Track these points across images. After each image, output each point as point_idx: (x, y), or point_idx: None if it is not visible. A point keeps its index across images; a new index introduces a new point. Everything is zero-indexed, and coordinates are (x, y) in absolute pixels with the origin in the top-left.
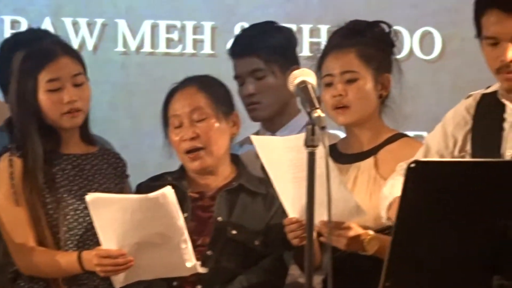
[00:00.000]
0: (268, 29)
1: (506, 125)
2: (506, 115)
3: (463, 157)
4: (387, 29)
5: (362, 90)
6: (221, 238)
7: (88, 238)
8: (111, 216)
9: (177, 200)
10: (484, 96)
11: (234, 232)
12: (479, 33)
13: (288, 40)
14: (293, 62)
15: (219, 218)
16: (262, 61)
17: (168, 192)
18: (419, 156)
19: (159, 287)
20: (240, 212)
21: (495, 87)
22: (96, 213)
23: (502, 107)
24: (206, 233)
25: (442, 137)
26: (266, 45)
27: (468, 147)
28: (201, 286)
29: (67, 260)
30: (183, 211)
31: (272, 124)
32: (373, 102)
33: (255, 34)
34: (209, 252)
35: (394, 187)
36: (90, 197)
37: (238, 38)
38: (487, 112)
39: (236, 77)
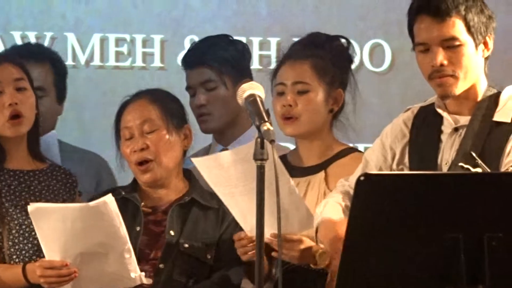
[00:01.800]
0: (221, 41)
1: (443, 137)
2: (443, 127)
3: (401, 170)
4: (345, 44)
5: (312, 102)
6: (173, 252)
7: (34, 253)
8: (52, 226)
9: (130, 213)
10: (421, 108)
11: (186, 245)
12: (414, 44)
13: (241, 53)
14: (245, 75)
15: (171, 232)
16: (214, 72)
17: (109, 200)
18: (359, 171)
19: None
20: (192, 226)
21: (432, 99)
22: (38, 223)
23: (440, 119)
24: (158, 246)
25: (381, 151)
26: (218, 57)
27: (406, 159)
28: None
29: (11, 272)
30: (136, 225)
31: (223, 136)
32: (323, 115)
33: (208, 46)
34: (161, 266)
35: (326, 206)
36: (31, 207)
37: (190, 50)
38: (424, 124)
39: (188, 88)
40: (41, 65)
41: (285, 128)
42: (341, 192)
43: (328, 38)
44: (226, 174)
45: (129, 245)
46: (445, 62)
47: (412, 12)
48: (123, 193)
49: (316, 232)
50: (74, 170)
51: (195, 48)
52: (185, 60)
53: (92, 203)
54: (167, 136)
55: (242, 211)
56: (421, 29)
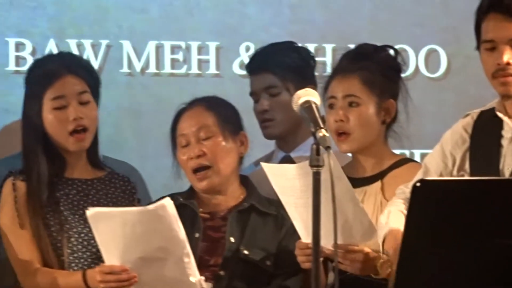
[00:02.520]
0: (285, 48)
1: (504, 142)
2: (503, 132)
3: (461, 176)
4: (394, 54)
5: (364, 116)
6: (233, 259)
7: (93, 261)
8: (112, 231)
9: (188, 219)
10: (481, 113)
11: (246, 252)
12: (478, 43)
13: (305, 60)
14: (309, 81)
15: (231, 239)
16: (277, 78)
17: (167, 203)
18: (419, 177)
19: None
20: (252, 232)
21: (492, 103)
22: (97, 228)
23: (500, 124)
24: (218, 253)
25: (441, 157)
26: (282, 63)
27: (467, 165)
28: None
29: (72, 279)
30: (195, 231)
31: (286, 143)
32: (375, 128)
33: (272, 52)
34: (221, 272)
35: (390, 215)
36: (90, 211)
37: (254, 55)
38: (484, 129)
39: (251, 93)
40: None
41: (340, 145)
42: (402, 199)
43: (376, 49)
44: (291, 185)
45: (188, 249)
46: (511, 61)
47: (482, 10)
48: (181, 199)
49: (383, 242)
50: None
51: (259, 54)
52: (249, 65)
53: (150, 207)
54: (223, 143)
55: (305, 223)
56: (489, 26)
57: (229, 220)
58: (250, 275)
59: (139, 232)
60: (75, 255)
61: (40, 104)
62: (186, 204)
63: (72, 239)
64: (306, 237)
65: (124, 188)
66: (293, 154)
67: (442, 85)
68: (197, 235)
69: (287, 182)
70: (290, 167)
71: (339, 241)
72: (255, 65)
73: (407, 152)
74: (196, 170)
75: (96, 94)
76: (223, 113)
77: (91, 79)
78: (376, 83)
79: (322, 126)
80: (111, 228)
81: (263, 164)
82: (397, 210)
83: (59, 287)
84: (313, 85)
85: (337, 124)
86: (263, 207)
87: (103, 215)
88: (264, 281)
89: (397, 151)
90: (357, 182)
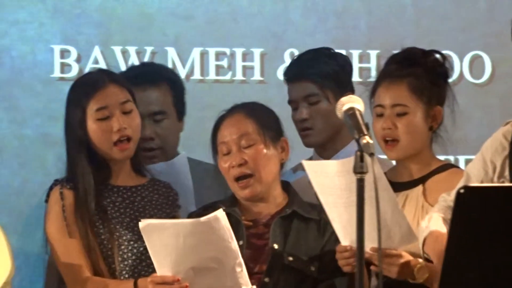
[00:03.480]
0: (322, 55)
1: None
2: None
3: (502, 183)
4: (441, 59)
5: (412, 124)
6: (278, 265)
7: (143, 268)
8: (164, 242)
9: (231, 227)
10: None
11: (290, 259)
12: None
13: (342, 66)
14: (347, 88)
15: (275, 246)
16: (316, 87)
17: (220, 215)
18: (461, 185)
19: None
20: (295, 238)
21: None
22: (150, 239)
23: None
24: (262, 260)
25: (481, 165)
26: (320, 71)
27: (507, 172)
28: None
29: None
30: (238, 238)
31: (325, 150)
32: (423, 135)
33: (309, 59)
34: (266, 279)
35: (431, 220)
36: (143, 223)
37: (292, 63)
38: None
39: (290, 102)
40: (158, 87)
41: (388, 153)
42: (443, 206)
43: (423, 53)
44: (331, 183)
45: (240, 259)
46: None
47: None
48: (224, 207)
49: (423, 245)
50: (201, 183)
51: (297, 61)
52: (286, 73)
53: (203, 219)
54: (264, 150)
55: (343, 222)
56: None
57: (272, 227)
58: (294, 281)
59: (192, 243)
60: (126, 262)
61: (84, 114)
62: (229, 212)
63: (123, 247)
64: (344, 238)
65: (167, 195)
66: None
67: (487, 90)
68: (241, 242)
69: (327, 180)
70: (331, 163)
71: (376, 245)
72: (293, 73)
73: (451, 158)
74: (238, 179)
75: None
76: (264, 120)
77: (129, 87)
78: (424, 90)
79: (365, 133)
80: (163, 239)
81: (304, 162)
82: (438, 216)
83: None
84: (351, 92)
85: (385, 132)
86: (305, 213)
87: (155, 227)
88: (308, 286)
89: (441, 157)
90: (399, 186)
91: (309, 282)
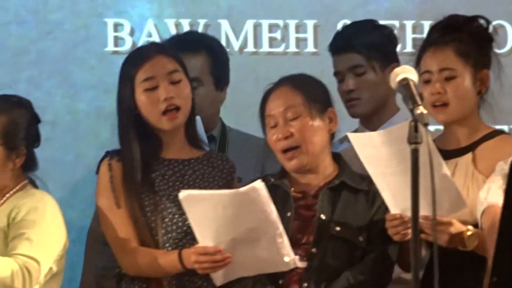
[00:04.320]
0: (367, 26)
1: None
2: None
3: None
4: (485, 24)
5: (461, 87)
6: (325, 236)
7: (187, 242)
8: (204, 213)
9: (279, 198)
10: None
11: (338, 229)
12: None
13: (388, 38)
14: (392, 59)
15: (322, 216)
16: (362, 57)
17: (258, 185)
18: None
19: (265, 285)
20: (343, 209)
21: None
22: (190, 210)
23: None
24: (309, 231)
25: None
26: (366, 42)
27: None
28: (307, 284)
29: (168, 259)
30: (287, 210)
31: (370, 121)
32: (472, 99)
33: (355, 31)
34: (313, 250)
35: (490, 191)
36: (182, 194)
37: (337, 35)
38: None
39: (336, 73)
40: (195, 54)
41: (437, 115)
42: (501, 175)
43: (467, 19)
44: (378, 154)
45: (281, 229)
46: None
47: None
48: (272, 180)
49: (481, 216)
50: (239, 155)
51: (342, 33)
52: (332, 46)
53: (242, 189)
54: (310, 122)
55: (392, 192)
56: None
57: (320, 198)
58: (342, 251)
59: (231, 214)
60: (169, 235)
61: (132, 86)
62: (278, 184)
63: (166, 220)
64: (394, 207)
65: (221, 168)
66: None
67: None
68: (289, 214)
69: (374, 151)
70: (376, 134)
71: (427, 213)
72: (339, 45)
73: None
74: (285, 151)
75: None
76: (310, 91)
77: (179, 57)
78: (471, 53)
79: (420, 103)
80: (203, 210)
81: (349, 134)
82: (496, 187)
83: (157, 266)
84: (397, 63)
85: (434, 97)
86: (354, 183)
87: (195, 198)
88: (357, 257)
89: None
90: (449, 153)
91: (357, 253)
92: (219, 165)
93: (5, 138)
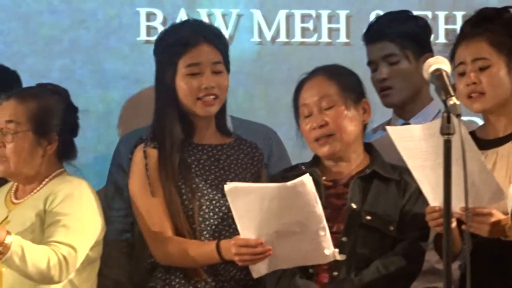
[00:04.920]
0: (402, 16)
1: None
2: None
3: None
4: None
5: (495, 76)
6: (356, 225)
7: (223, 228)
8: (249, 205)
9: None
10: None
11: (368, 218)
12: None
13: (422, 28)
14: (426, 49)
15: (353, 205)
16: (396, 46)
17: (306, 180)
18: None
19: (295, 274)
20: (374, 198)
21: None
22: (234, 202)
23: None
24: (340, 220)
25: None
26: (400, 31)
27: None
28: (337, 272)
29: (204, 249)
30: None
31: (404, 111)
32: (507, 88)
33: (389, 20)
34: (344, 239)
35: None
36: (228, 186)
37: (371, 25)
38: None
39: (370, 62)
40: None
41: (472, 105)
42: None
43: (498, 11)
44: (417, 147)
45: (324, 223)
46: None
47: None
48: (303, 168)
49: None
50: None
51: (376, 22)
52: (366, 35)
53: (289, 183)
54: (345, 112)
55: (431, 185)
56: None
57: (351, 187)
58: (373, 240)
59: (276, 207)
60: (207, 222)
61: (174, 70)
62: (309, 172)
63: (204, 207)
64: (433, 200)
65: (252, 155)
66: (411, 122)
67: None
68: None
69: (413, 144)
70: (415, 128)
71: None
72: (373, 34)
73: None
74: (318, 139)
75: (226, 62)
76: (344, 81)
77: (223, 48)
78: (504, 43)
79: (452, 94)
80: (248, 202)
81: (388, 127)
82: None
83: (191, 256)
84: (431, 53)
85: (469, 88)
86: (385, 173)
87: (240, 190)
88: (387, 247)
89: None
90: (489, 143)
91: (388, 242)
92: (249, 152)
93: (34, 123)
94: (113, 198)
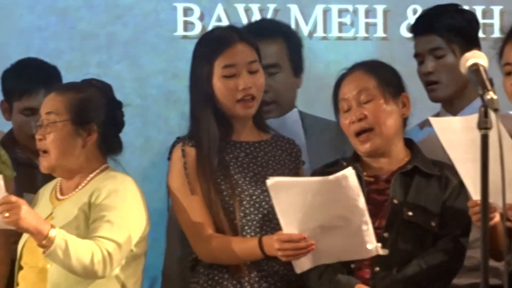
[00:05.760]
0: (449, 10)
1: None
2: None
3: None
4: None
5: None
6: (397, 220)
7: (265, 223)
8: (291, 200)
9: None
10: None
11: (410, 213)
12: None
13: (470, 22)
14: (473, 44)
15: (395, 200)
16: (443, 40)
17: (349, 173)
18: None
19: (338, 269)
20: (415, 193)
21: None
22: (277, 197)
23: None
24: (382, 215)
25: None
26: (447, 25)
27: None
28: (379, 268)
29: (247, 245)
30: None
31: (452, 105)
32: None
33: (437, 13)
34: (385, 234)
35: None
36: (270, 181)
37: (419, 17)
38: None
39: (416, 55)
40: (274, 41)
41: None
42: None
43: None
44: (458, 139)
45: (367, 217)
46: None
47: None
48: (345, 163)
49: None
50: (317, 140)
51: (424, 15)
52: (414, 27)
53: (332, 177)
54: (384, 105)
55: (472, 178)
56: None
57: (392, 182)
58: (414, 236)
59: (319, 201)
60: (248, 218)
61: (210, 70)
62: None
63: (244, 202)
64: (474, 193)
65: (290, 151)
66: (459, 116)
67: None
68: None
69: (454, 136)
70: (456, 120)
71: (507, 200)
72: (421, 27)
73: None
74: (358, 134)
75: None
76: (383, 76)
77: (257, 46)
78: None
79: (490, 88)
80: (291, 197)
81: (431, 118)
82: None
83: (233, 253)
84: (478, 48)
85: None
86: (426, 168)
87: (283, 185)
88: (429, 242)
89: None
90: None
91: (429, 238)
92: (287, 148)
93: (72, 113)
94: None
